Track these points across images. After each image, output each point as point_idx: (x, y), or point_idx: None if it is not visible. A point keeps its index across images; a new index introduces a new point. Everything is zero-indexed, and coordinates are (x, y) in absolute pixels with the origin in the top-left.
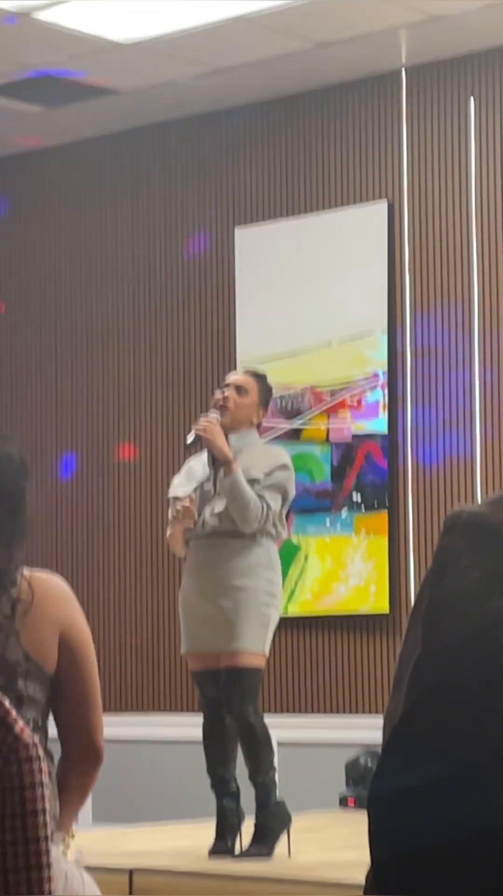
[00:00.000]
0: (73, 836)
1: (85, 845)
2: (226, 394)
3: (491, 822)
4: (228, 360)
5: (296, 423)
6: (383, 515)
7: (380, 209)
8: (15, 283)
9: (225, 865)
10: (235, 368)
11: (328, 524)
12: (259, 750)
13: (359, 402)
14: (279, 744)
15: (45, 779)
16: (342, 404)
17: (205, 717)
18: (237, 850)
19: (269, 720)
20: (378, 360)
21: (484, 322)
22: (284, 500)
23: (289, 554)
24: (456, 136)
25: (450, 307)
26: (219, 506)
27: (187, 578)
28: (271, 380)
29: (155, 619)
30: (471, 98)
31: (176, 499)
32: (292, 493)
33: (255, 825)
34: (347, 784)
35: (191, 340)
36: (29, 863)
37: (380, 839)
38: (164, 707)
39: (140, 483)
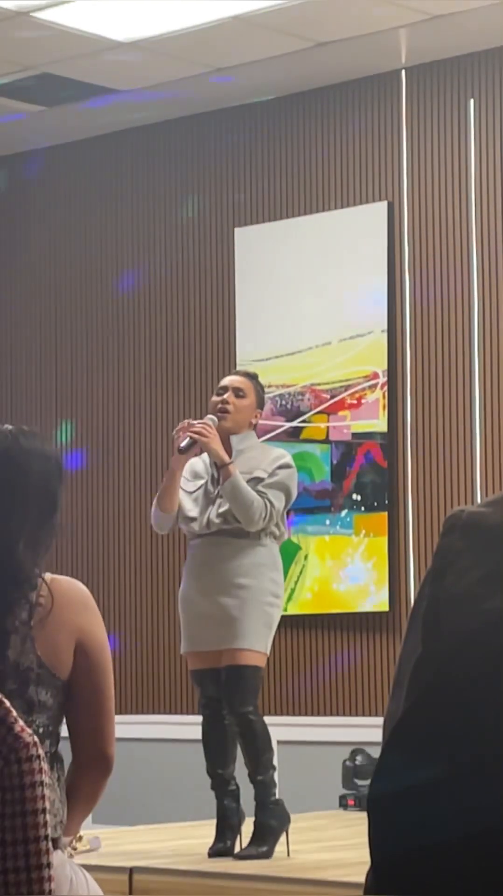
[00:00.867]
0: (80, 839)
1: (98, 834)
2: (225, 398)
3: (491, 822)
4: (228, 360)
5: (296, 423)
6: (383, 515)
7: (380, 209)
8: (15, 282)
9: (225, 865)
10: (235, 368)
11: (328, 524)
12: (259, 749)
13: (359, 401)
14: (279, 743)
15: (45, 778)
16: (342, 404)
17: (204, 717)
18: (237, 849)
19: (269, 720)
20: (378, 360)
21: (484, 322)
22: (287, 498)
23: (289, 553)
24: (456, 137)
25: (450, 307)
26: (223, 506)
27: (188, 577)
28: (272, 379)
29: (155, 619)
30: (471, 98)
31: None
32: (295, 491)
33: (255, 824)
34: (345, 784)
35: (190, 340)
36: (29, 863)
37: (380, 839)
38: (164, 708)
39: (140, 483)
